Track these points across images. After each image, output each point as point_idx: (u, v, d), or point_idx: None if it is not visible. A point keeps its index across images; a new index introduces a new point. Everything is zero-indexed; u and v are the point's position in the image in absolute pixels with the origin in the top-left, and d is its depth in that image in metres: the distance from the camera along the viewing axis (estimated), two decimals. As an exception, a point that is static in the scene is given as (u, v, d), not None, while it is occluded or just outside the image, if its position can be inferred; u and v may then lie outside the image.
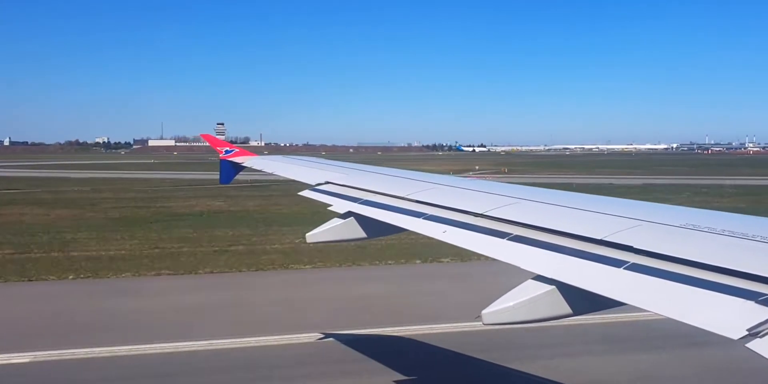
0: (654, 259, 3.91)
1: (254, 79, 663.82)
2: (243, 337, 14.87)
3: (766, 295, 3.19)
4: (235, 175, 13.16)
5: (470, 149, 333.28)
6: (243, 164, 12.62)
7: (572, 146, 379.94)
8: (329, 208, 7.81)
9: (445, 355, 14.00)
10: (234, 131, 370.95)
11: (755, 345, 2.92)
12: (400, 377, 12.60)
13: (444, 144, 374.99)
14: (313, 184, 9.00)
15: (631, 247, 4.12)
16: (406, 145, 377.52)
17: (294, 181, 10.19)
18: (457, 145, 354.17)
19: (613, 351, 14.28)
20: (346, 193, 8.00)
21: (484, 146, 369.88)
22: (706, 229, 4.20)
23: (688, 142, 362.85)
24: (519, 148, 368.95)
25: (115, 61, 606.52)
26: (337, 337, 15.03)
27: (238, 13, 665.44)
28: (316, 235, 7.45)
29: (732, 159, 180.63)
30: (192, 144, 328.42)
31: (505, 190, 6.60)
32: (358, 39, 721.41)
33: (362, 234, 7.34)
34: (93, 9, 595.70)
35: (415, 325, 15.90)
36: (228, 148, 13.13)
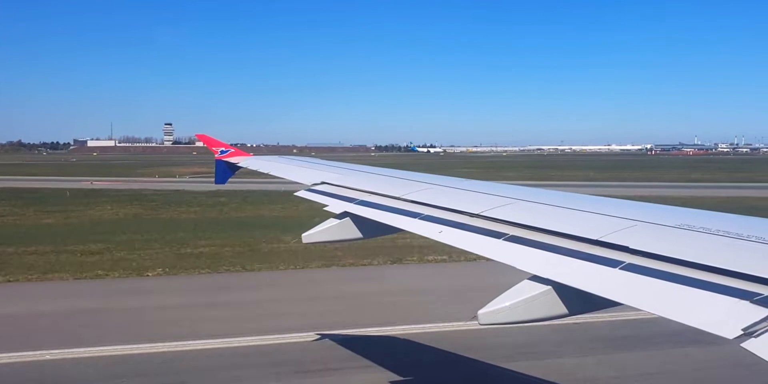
0: (650, 260, 3.92)
1: (202, 80, 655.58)
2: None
3: (761, 294, 3.21)
4: (230, 176, 13.14)
5: (425, 150, 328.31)
6: (238, 164, 12.60)
7: (546, 147, 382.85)
8: (325, 209, 7.81)
9: (442, 355, 14.02)
10: (181, 131, 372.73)
11: (750, 344, 2.93)
12: (396, 377, 12.61)
13: (396, 144, 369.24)
14: (309, 184, 9.00)
15: (627, 247, 4.13)
16: (354, 146, 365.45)
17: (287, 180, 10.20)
18: (412, 145, 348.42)
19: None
20: (342, 194, 8.00)
21: (438, 146, 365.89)
22: (701, 230, 4.21)
23: (665, 143, 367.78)
24: (475, 148, 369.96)
25: (69, 61, 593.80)
26: (333, 336, 15.03)
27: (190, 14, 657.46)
28: (312, 235, 7.45)
29: (661, 160, 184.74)
30: (134, 145, 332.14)
31: (501, 191, 6.61)
32: (310, 40, 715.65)
33: (358, 234, 7.34)
34: (43, 6, 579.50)
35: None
36: (223, 149, 13.10)
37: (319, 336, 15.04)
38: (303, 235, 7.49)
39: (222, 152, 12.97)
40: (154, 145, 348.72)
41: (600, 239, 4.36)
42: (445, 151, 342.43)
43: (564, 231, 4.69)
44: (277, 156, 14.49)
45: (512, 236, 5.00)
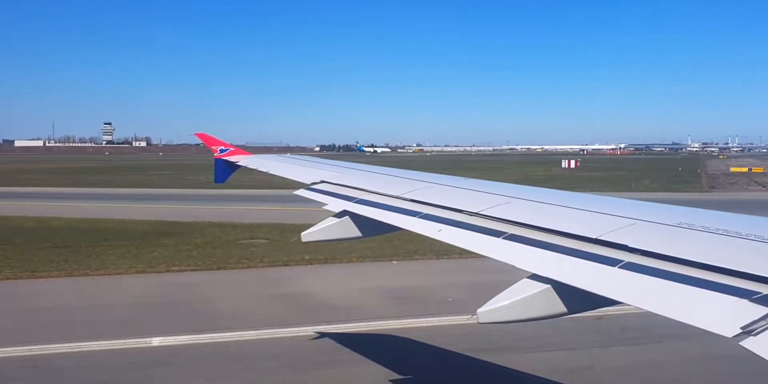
0: (649, 258, 3.92)
1: (144, 80, 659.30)
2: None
3: (759, 293, 3.21)
4: (230, 175, 13.12)
5: (371, 150, 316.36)
6: (238, 163, 12.58)
7: (519, 147, 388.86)
8: (324, 207, 7.80)
9: (439, 353, 14.03)
10: (122, 131, 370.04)
11: (749, 343, 2.93)
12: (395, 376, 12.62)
13: (338, 144, 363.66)
14: (309, 183, 9.00)
15: (626, 245, 4.13)
16: (293, 146, 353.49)
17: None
18: (359, 145, 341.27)
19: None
20: (341, 192, 7.99)
21: (385, 146, 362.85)
22: (700, 228, 4.21)
23: (638, 143, 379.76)
24: (425, 148, 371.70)
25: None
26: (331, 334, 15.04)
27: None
28: (312, 234, 7.44)
29: (593, 159, 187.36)
30: (66, 144, 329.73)
31: (500, 189, 6.61)
32: (257, 39, 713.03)
33: (357, 233, 7.33)
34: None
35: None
36: (223, 147, 13.08)
37: (318, 334, 15.07)
38: (302, 233, 7.48)
39: (221, 151, 12.95)
40: (90, 145, 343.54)
41: (599, 238, 4.35)
42: (395, 150, 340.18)
43: (563, 229, 4.69)
44: (276, 155, 14.47)
45: (511, 235, 5.00)
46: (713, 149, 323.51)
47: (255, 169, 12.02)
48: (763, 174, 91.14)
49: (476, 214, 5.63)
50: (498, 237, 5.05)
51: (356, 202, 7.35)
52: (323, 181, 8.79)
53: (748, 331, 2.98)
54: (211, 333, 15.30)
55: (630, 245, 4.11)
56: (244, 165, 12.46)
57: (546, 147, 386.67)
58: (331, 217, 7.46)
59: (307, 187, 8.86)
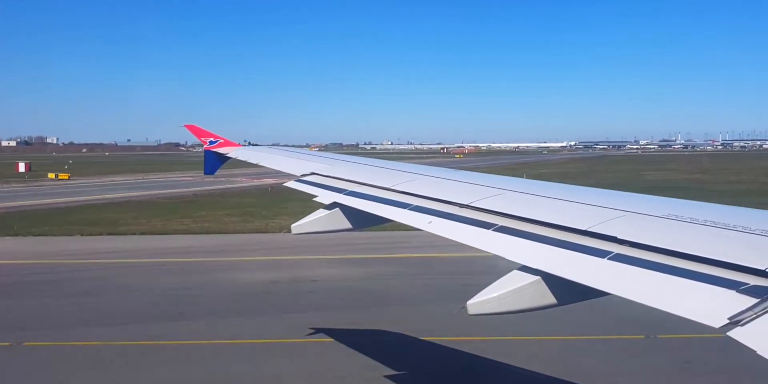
0: (638, 250, 3.94)
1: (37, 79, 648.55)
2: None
3: (746, 284, 3.24)
4: (219, 166, 13.04)
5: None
6: (227, 155, 12.51)
7: (467, 145, 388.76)
8: (315, 199, 7.78)
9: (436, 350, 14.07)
10: (28, 130, 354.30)
11: (736, 333, 2.96)
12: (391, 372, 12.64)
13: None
14: (299, 175, 8.97)
15: (615, 237, 4.15)
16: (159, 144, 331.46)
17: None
18: (246, 144, 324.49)
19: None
20: (331, 184, 7.97)
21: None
22: (688, 220, 4.23)
23: (588, 141, 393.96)
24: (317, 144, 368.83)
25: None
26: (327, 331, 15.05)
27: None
28: (302, 226, 7.42)
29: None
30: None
31: (490, 181, 6.61)
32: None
33: (348, 225, 7.33)
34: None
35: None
36: (212, 139, 12.99)
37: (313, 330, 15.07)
38: (293, 225, 7.46)
39: (211, 143, 12.86)
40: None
41: (588, 229, 4.37)
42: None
43: (553, 221, 4.70)
44: (266, 146, 14.41)
45: (501, 227, 5.00)
46: (634, 147, 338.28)
47: (244, 161, 11.96)
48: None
49: (466, 206, 5.63)
50: (488, 229, 5.05)
51: (346, 194, 7.33)
52: (313, 173, 8.76)
53: (735, 321, 3.01)
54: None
55: (619, 237, 4.13)
56: (233, 157, 12.38)
57: (492, 145, 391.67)
58: (321, 209, 7.44)
59: (298, 179, 8.83)
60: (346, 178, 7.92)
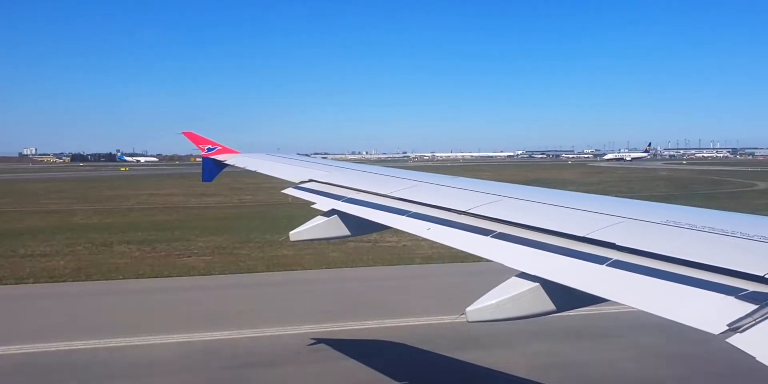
0: (636, 256, 3.93)
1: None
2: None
3: (746, 290, 3.23)
4: (217, 173, 13.03)
5: (134, 160, 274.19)
6: (226, 162, 12.51)
7: (441, 154, 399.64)
8: (313, 206, 7.77)
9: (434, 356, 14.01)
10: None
11: (735, 340, 2.95)
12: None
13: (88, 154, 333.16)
14: (297, 182, 8.96)
15: (614, 243, 4.14)
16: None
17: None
18: (120, 154, 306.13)
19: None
20: (329, 191, 7.96)
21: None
22: (687, 226, 4.23)
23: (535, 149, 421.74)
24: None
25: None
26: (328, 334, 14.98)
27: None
28: (300, 233, 7.40)
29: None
30: None
31: (489, 188, 6.61)
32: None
33: (346, 232, 7.31)
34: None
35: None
36: (210, 146, 13.00)
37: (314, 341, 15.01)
38: (290, 233, 7.44)
39: (209, 150, 12.87)
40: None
41: (587, 236, 4.36)
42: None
43: (551, 228, 4.69)
44: (264, 154, 14.40)
45: (500, 233, 4.99)
46: (569, 156, 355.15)
47: (243, 168, 11.95)
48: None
49: (465, 213, 5.62)
50: (487, 235, 5.04)
51: (345, 201, 7.32)
52: (311, 180, 8.75)
53: (734, 328, 2.99)
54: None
55: (618, 243, 4.12)
56: (231, 164, 12.38)
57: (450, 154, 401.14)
58: (319, 216, 7.42)
59: (296, 186, 8.82)
60: (345, 185, 7.91)
